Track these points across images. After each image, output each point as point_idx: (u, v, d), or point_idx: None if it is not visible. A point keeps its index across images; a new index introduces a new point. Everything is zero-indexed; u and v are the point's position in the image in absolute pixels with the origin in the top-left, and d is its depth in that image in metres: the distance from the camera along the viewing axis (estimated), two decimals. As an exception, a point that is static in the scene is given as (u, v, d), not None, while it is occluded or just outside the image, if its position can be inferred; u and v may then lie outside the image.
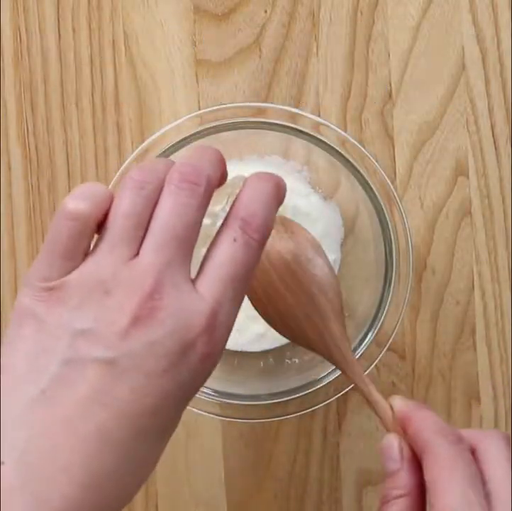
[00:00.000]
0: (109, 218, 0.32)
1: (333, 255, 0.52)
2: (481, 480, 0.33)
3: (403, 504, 0.35)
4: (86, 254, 0.32)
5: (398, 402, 0.37)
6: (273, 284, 0.40)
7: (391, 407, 0.38)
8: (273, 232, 0.36)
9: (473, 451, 0.34)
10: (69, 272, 0.31)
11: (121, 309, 0.30)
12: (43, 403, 0.29)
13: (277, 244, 0.40)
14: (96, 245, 0.33)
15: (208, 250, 0.33)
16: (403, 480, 0.35)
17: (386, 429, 0.38)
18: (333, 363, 0.42)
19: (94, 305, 0.30)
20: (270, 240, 0.35)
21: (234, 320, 0.32)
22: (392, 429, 0.37)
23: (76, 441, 0.29)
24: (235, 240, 0.32)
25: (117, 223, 0.32)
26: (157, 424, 0.31)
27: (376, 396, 0.39)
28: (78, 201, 0.32)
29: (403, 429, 0.36)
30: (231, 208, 0.34)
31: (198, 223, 0.32)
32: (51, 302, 0.31)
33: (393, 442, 0.36)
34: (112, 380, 0.30)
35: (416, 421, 0.35)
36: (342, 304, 0.41)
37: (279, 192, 0.35)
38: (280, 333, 0.42)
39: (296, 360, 0.53)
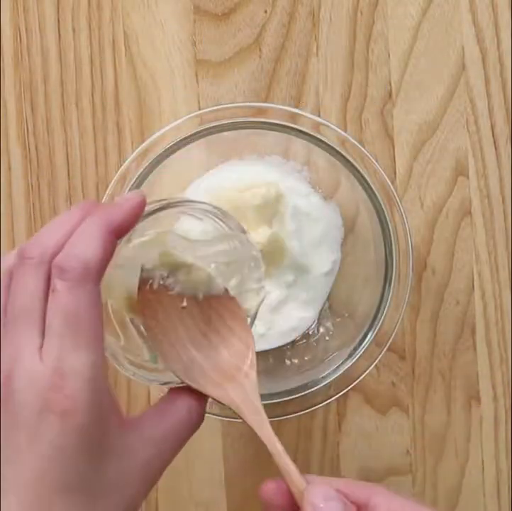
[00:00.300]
0: None
1: (333, 256, 0.51)
2: None
3: None
4: None
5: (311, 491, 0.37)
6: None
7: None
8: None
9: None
10: None
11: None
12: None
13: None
14: None
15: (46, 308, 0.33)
16: None
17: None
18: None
19: None
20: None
21: (85, 366, 0.32)
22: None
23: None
24: (53, 290, 0.32)
25: None
26: (66, 486, 0.32)
27: (296, 476, 0.39)
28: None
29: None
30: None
31: (41, 292, 0.33)
32: None
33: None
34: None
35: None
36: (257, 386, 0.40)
37: (104, 219, 0.34)
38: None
39: (296, 360, 0.53)
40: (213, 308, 0.40)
